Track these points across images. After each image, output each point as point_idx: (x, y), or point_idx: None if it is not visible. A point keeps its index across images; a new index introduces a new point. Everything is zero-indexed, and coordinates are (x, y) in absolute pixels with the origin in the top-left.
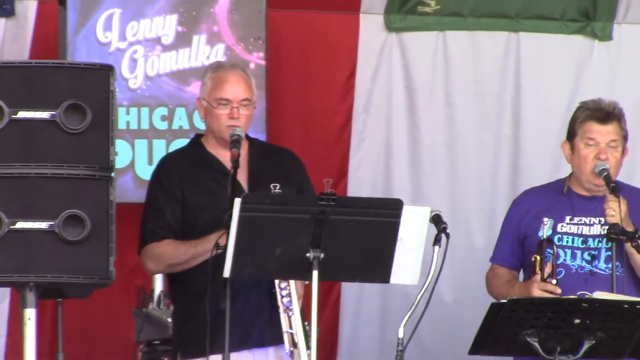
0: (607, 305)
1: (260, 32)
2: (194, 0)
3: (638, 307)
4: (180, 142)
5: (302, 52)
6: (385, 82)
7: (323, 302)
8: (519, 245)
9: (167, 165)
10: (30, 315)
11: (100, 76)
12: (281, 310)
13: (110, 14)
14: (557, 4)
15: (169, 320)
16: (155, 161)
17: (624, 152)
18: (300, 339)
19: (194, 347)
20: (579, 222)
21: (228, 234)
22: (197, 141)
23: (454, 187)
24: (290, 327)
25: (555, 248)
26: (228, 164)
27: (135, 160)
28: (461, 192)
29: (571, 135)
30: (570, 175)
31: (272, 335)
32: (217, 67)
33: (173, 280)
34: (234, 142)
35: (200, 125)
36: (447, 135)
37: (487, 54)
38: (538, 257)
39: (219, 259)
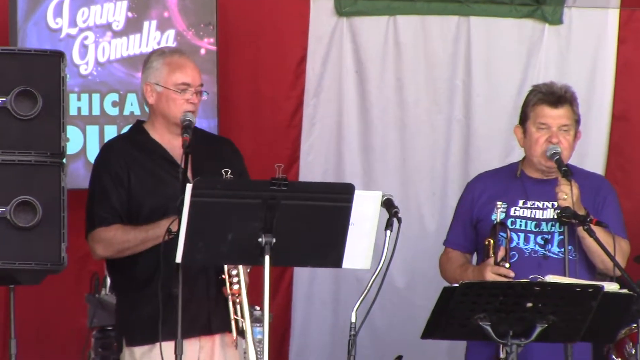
0: (559, 288)
1: (210, 17)
2: None
3: (590, 290)
4: None
5: (253, 37)
6: (336, 67)
7: (275, 287)
8: (472, 229)
9: (112, 150)
10: None
11: (51, 62)
12: (229, 297)
13: (60, 0)
14: None
15: None
16: None
17: (576, 135)
18: (247, 326)
19: (141, 334)
20: (532, 206)
21: (180, 219)
22: (139, 127)
23: (405, 171)
24: (237, 314)
25: (508, 232)
26: (172, 151)
27: (87, 146)
28: (412, 177)
29: (523, 119)
30: (524, 159)
31: (218, 323)
32: (168, 52)
33: (117, 267)
34: (185, 128)
35: None
36: (398, 120)
37: (437, 38)
38: (491, 241)
39: (170, 244)
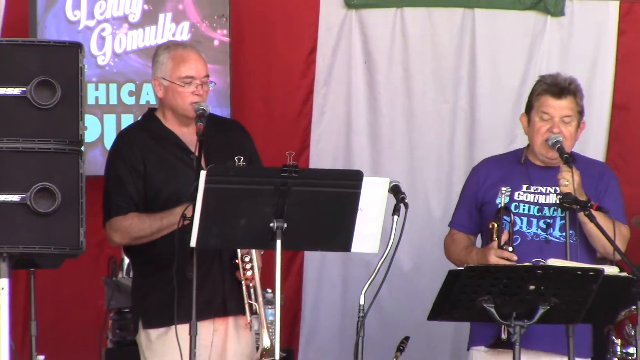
0: (561, 272)
1: (224, 9)
2: None
3: (591, 273)
4: None
5: (265, 29)
6: (345, 57)
7: (286, 270)
8: (477, 212)
9: (127, 139)
10: (3, 285)
11: (70, 53)
12: (243, 281)
13: None
14: None
15: None
16: None
17: (579, 126)
18: (260, 309)
19: (157, 316)
20: (536, 191)
21: (194, 205)
22: (151, 115)
23: (412, 158)
24: (251, 298)
25: (512, 216)
26: (185, 139)
27: (104, 135)
28: (419, 164)
29: (529, 108)
30: (528, 146)
31: (232, 305)
32: (172, 46)
33: (134, 251)
34: (200, 117)
35: None
36: (406, 109)
37: (443, 29)
38: (495, 225)
39: (185, 229)
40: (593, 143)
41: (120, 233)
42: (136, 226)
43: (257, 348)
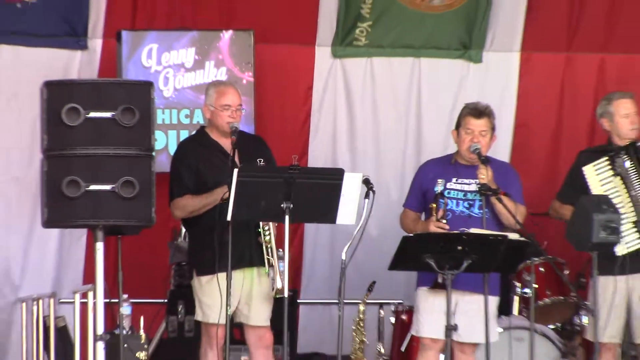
0: (479, 237)
1: (250, 58)
2: (206, 38)
3: (499, 238)
4: None
5: (278, 72)
6: (332, 93)
7: (292, 236)
8: (422, 196)
9: (185, 147)
10: (99, 247)
11: (144, 89)
12: (263, 243)
13: (150, 47)
14: (445, 37)
15: None
16: None
17: (492, 138)
18: (275, 262)
19: (205, 266)
20: (462, 182)
21: (229, 192)
22: (202, 131)
23: (378, 161)
24: (269, 254)
25: (445, 199)
26: (226, 147)
27: (169, 145)
28: (383, 165)
29: (457, 125)
30: (457, 151)
31: (256, 260)
32: (217, 83)
33: (189, 223)
34: (233, 132)
35: None
36: (374, 129)
37: (399, 73)
38: (434, 205)
39: (224, 207)
40: (502, 149)
41: (180, 209)
42: (189, 203)
43: (273, 289)
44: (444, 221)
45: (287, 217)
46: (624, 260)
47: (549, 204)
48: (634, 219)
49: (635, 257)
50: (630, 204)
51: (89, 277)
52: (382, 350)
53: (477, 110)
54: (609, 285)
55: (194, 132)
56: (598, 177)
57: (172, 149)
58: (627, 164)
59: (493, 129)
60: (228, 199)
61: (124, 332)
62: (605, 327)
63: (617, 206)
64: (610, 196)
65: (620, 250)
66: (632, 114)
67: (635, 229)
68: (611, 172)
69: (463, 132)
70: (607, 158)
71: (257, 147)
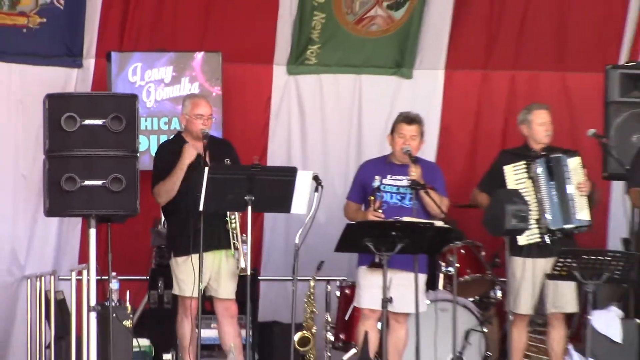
0: (410, 224)
1: (218, 75)
2: (182, 58)
3: (427, 225)
4: None
5: (242, 86)
6: (287, 104)
7: (254, 223)
8: (362, 190)
9: (164, 148)
10: (92, 233)
11: (130, 100)
12: (230, 230)
13: (135, 66)
14: (381, 58)
15: None
16: None
17: (421, 141)
18: (241, 246)
19: (181, 249)
20: (395, 179)
21: (201, 187)
22: (179, 135)
23: (325, 161)
24: (235, 239)
25: (381, 193)
26: (198, 149)
27: (150, 147)
28: (329, 164)
29: (392, 131)
30: (391, 153)
31: (224, 243)
32: (192, 96)
33: (168, 212)
34: (205, 136)
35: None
36: (322, 134)
37: (343, 88)
38: (372, 198)
39: (197, 199)
40: (429, 151)
41: (159, 195)
42: (163, 185)
43: (237, 267)
44: (380, 211)
45: (249, 208)
46: (530, 247)
47: (468, 197)
48: (537, 217)
49: (540, 245)
50: (536, 204)
51: (83, 258)
52: (329, 319)
53: (409, 118)
54: (519, 266)
55: (172, 137)
56: (515, 177)
57: (153, 151)
58: (539, 170)
59: (422, 134)
60: (200, 194)
61: (113, 304)
62: (517, 300)
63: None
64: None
65: (521, 240)
66: (546, 122)
67: (536, 225)
68: (526, 175)
69: (396, 136)
70: (525, 163)
71: (224, 149)
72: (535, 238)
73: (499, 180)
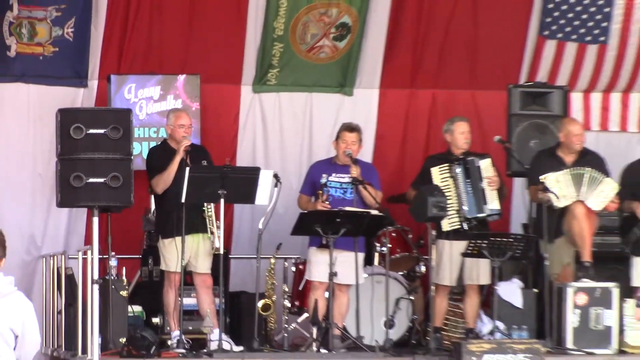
0: (351, 213)
1: (197, 93)
2: (168, 80)
3: (364, 214)
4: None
5: (216, 102)
6: (252, 116)
7: (226, 212)
8: (312, 186)
9: (155, 151)
10: (95, 220)
11: (126, 114)
12: (207, 217)
13: (130, 86)
14: (328, 79)
15: None
16: None
17: (360, 146)
18: (215, 230)
19: (167, 232)
20: (339, 176)
21: (184, 184)
22: (165, 142)
23: (283, 162)
24: (210, 225)
25: (328, 187)
26: (180, 153)
27: (142, 151)
28: (286, 164)
29: (337, 137)
30: (336, 156)
31: (201, 228)
32: (175, 110)
33: (157, 202)
34: (185, 142)
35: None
36: (280, 141)
37: (297, 103)
38: (320, 192)
39: (179, 193)
40: (366, 154)
41: (158, 184)
42: (160, 175)
43: (212, 248)
44: (327, 203)
45: (222, 200)
46: (451, 232)
47: (398, 191)
48: (457, 208)
49: (459, 230)
50: (456, 198)
51: (88, 240)
52: (286, 289)
53: (350, 127)
54: (442, 246)
55: (159, 142)
56: (440, 176)
57: (145, 154)
58: (458, 170)
59: (360, 140)
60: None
61: (112, 277)
62: (440, 273)
63: (448, 198)
64: (445, 190)
65: (445, 227)
66: (466, 132)
67: (457, 215)
68: (448, 175)
69: (340, 141)
70: (447, 165)
71: (201, 153)
72: (456, 225)
73: (428, 180)
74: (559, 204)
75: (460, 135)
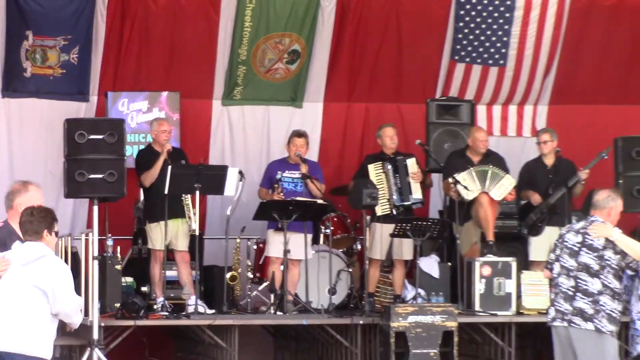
0: (301, 202)
1: (177, 106)
2: (153, 96)
3: (312, 203)
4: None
5: (192, 113)
6: (222, 125)
7: (200, 202)
8: (269, 180)
9: (142, 152)
10: (95, 209)
11: (120, 123)
12: (185, 206)
13: (123, 100)
14: (282, 94)
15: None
16: None
17: (307, 148)
18: (192, 216)
19: (153, 218)
20: (291, 173)
21: (167, 179)
22: (150, 145)
23: (246, 161)
24: (188, 211)
25: (282, 182)
26: (163, 155)
27: (133, 153)
28: (249, 163)
29: (289, 142)
30: (288, 156)
31: (180, 214)
32: (158, 119)
33: (146, 193)
34: (167, 145)
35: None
36: (244, 144)
37: (258, 115)
38: (276, 185)
39: (164, 186)
40: (313, 154)
41: (147, 179)
42: (148, 172)
43: (190, 230)
44: (282, 194)
45: (197, 192)
46: (383, 217)
47: (338, 184)
48: (388, 197)
49: (389, 216)
50: (387, 189)
51: (89, 224)
52: (249, 264)
53: (299, 133)
54: (376, 228)
55: (146, 146)
56: (374, 172)
57: (135, 155)
58: (389, 167)
59: (307, 143)
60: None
61: (109, 254)
62: (373, 250)
63: (380, 190)
64: (378, 184)
65: (378, 212)
66: (391, 135)
67: (388, 203)
68: (381, 170)
69: (291, 145)
70: (381, 163)
71: (180, 154)
72: (387, 211)
73: (365, 174)
74: (468, 197)
75: (387, 138)
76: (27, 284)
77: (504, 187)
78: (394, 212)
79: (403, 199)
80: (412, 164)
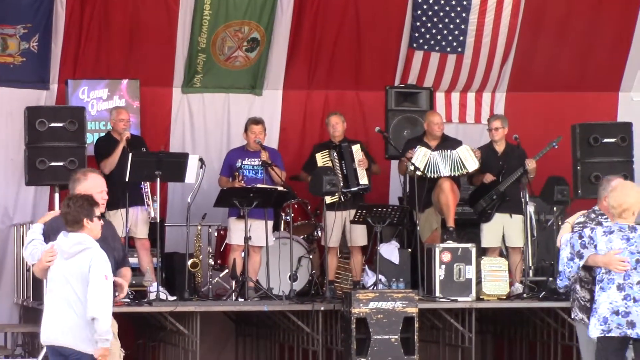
0: (261, 189)
1: (137, 94)
2: (114, 83)
3: (273, 190)
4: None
5: (152, 101)
6: (182, 113)
7: (161, 189)
8: (230, 168)
9: (102, 140)
10: (56, 196)
11: (80, 110)
12: (144, 193)
13: (84, 88)
14: (242, 82)
15: None
16: None
17: (265, 135)
18: (151, 204)
19: (114, 205)
20: (251, 160)
21: (127, 166)
22: (109, 133)
23: (207, 149)
24: (148, 199)
25: (242, 169)
26: (122, 143)
27: (93, 141)
28: (209, 151)
29: (245, 130)
30: (247, 143)
31: (141, 202)
32: (117, 107)
33: (106, 181)
34: (126, 133)
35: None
36: (204, 132)
37: (217, 102)
38: (237, 173)
39: (123, 174)
40: (273, 142)
41: (106, 166)
42: (107, 160)
43: (150, 217)
44: (242, 182)
45: (158, 179)
46: (335, 204)
47: (298, 172)
48: (340, 184)
49: (341, 202)
50: (339, 176)
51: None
52: (211, 250)
53: (255, 120)
54: (330, 216)
55: (104, 134)
56: (322, 160)
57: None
58: (334, 154)
59: (265, 130)
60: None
61: None
62: (331, 236)
63: None
64: None
65: (328, 200)
66: (334, 123)
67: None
68: (328, 158)
69: (249, 132)
70: (327, 150)
71: (140, 142)
72: (335, 198)
73: (314, 163)
74: (417, 172)
75: (331, 126)
76: (70, 278)
77: (465, 153)
78: (342, 198)
79: (349, 185)
80: (357, 150)
